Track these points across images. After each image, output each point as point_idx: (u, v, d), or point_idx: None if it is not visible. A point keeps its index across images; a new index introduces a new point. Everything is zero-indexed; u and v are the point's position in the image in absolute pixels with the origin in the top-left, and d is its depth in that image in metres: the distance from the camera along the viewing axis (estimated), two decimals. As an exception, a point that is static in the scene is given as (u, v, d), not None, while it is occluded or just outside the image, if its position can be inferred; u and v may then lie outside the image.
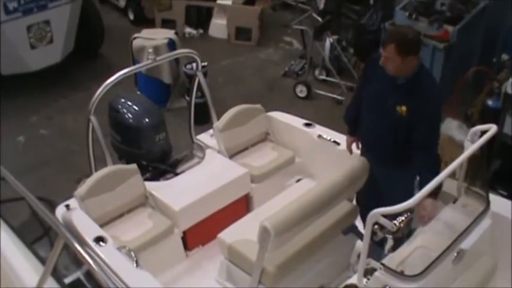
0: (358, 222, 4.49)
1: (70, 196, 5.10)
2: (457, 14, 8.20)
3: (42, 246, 5.77)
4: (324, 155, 5.25)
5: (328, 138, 5.29)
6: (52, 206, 6.36)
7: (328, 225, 4.19)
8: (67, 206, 4.68)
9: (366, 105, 4.48)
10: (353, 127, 4.80)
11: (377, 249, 3.55)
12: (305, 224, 3.83)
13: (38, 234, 5.98)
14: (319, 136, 5.33)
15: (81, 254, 3.33)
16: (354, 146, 4.85)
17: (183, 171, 5.52)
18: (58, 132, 8.12)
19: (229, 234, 4.40)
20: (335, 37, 9.12)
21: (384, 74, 4.18)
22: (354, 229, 3.88)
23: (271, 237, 3.59)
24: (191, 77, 7.58)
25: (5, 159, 7.28)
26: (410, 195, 3.36)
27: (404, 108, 4.13)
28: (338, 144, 5.23)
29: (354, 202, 4.60)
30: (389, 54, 4.03)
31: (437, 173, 3.57)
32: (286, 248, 3.96)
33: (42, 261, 4.31)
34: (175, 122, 7.06)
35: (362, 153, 4.67)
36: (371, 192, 4.44)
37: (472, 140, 3.82)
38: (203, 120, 6.30)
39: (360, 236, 3.76)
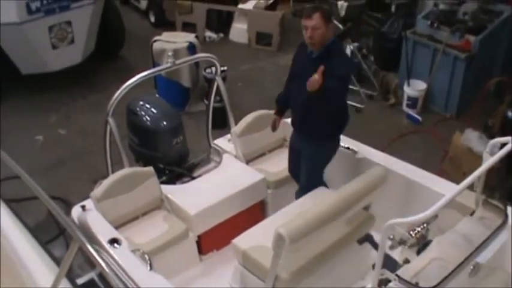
0: (374, 232, 4.46)
1: (86, 197, 5.12)
2: (479, 23, 8.15)
3: (58, 246, 5.82)
4: (340, 162, 5.20)
5: (346, 146, 5.24)
6: (68, 206, 6.41)
7: (344, 233, 4.16)
8: (83, 207, 4.68)
9: (291, 84, 4.94)
10: (281, 108, 5.20)
11: (392, 259, 3.52)
12: (320, 232, 3.79)
13: (54, 234, 6.00)
14: (337, 144, 5.30)
15: (93, 256, 3.32)
16: (276, 123, 5.22)
17: (199, 175, 5.51)
18: (76, 132, 8.15)
19: (244, 240, 4.38)
20: (355, 44, 9.07)
21: (304, 52, 4.72)
22: (369, 239, 3.85)
23: (286, 244, 3.56)
24: (210, 81, 7.59)
25: (23, 157, 7.33)
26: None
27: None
28: (355, 152, 5.19)
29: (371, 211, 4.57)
30: (316, 22, 4.46)
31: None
32: (300, 255, 3.93)
33: (57, 261, 4.31)
34: (193, 126, 7.07)
35: (293, 132, 5.15)
36: (295, 161, 5.13)
37: (491, 152, 3.78)
38: (221, 124, 6.29)
39: (375, 246, 3.73)
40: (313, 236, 3.75)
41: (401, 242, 3.60)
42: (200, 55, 5.83)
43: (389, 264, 3.54)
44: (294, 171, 5.22)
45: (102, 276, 4.51)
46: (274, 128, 5.24)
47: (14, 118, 8.26)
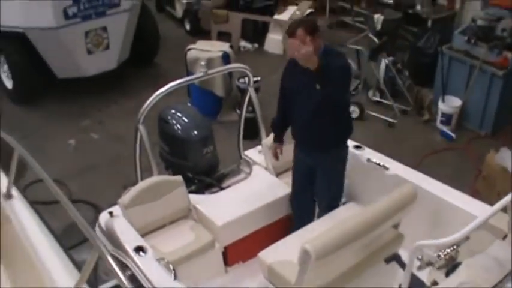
0: (402, 250, 4.38)
1: (115, 202, 5.13)
2: (518, 40, 8.01)
3: (85, 250, 5.82)
4: (371, 179, 5.14)
5: (377, 162, 5.17)
6: (97, 211, 6.47)
7: (371, 251, 4.09)
8: (110, 213, 4.69)
9: (293, 101, 4.78)
10: (280, 134, 5.16)
11: (419, 281, 3.45)
12: (347, 249, 3.73)
13: (82, 238, 6.01)
14: (368, 160, 5.23)
15: (111, 265, 3.29)
16: (278, 151, 5.18)
17: (228, 186, 5.49)
18: (108, 137, 8.21)
19: (270, 254, 4.34)
20: (390, 58, 8.98)
21: (299, 69, 4.52)
22: (396, 258, 3.77)
23: (312, 260, 3.51)
24: (243, 91, 7.59)
25: (56, 161, 7.43)
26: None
27: (319, 84, 4.46)
28: (387, 169, 5.11)
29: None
30: (301, 38, 4.32)
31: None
32: (326, 272, 3.87)
33: (79, 266, 4.31)
34: (224, 135, 7.05)
35: (295, 153, 5.05)
36: (303, 184, 5.03)
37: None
38: (253, 135, 6.27)
39: (403, 266, 3.65)
40: (340, 252, 3.69)
41: (430, 263, 3.53)
42: (233, 65, 5.82)
43: (417, 285, 3.49)
44: (303, 194, 5.10)
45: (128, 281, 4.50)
46: (277, 157, 5.21)
47: (48, 122, 8.37)
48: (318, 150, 4.83)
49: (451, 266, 3.57)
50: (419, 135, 8.38)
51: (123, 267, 4.41)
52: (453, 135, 8.23)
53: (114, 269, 3.04)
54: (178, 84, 5.18)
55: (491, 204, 5.65)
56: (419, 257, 3.74)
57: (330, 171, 4.87)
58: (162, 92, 5.04)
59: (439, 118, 8.45)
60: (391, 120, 8.53)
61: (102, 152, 7.85)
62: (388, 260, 3.71)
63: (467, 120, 8.42)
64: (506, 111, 8.03)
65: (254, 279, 4.69)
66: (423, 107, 8.75)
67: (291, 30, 4.41)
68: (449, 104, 8.35)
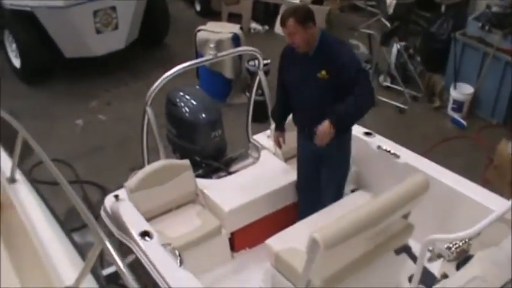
0: (412, 240, 4.31)
1: (121, 185, 5.06)
2: (533, 28, 7.88)
3: (88, 233, 5.78)
4: (381, 166, 5.07)
5: (388, 149, 5.09)
6: (104, 192, 6.43)
7: (380, 242, 4.01)
8: (116, 197, 4.63)
9: (293, 90, 4.70)
10: (281, 122, 5.03)
11: (429, 273, 3.38)
12: (356, 238, 3.66)
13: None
14: (379, 147, 5.14)
15: (111, 253, 3.24)
16: (280, 140, 5.06)
17: (236, 171, 5.43)
18: (116, 118, 8.14)
19: (277, 242, 4.27)
20: (402, 44, 8.87)
21: (297, 56, 4.50)
22: (407, 250, 3.70)
23: (321, 250, 3.44)
24: (253, 74, 7.51)
25: (63, 141, 7.39)
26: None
27: (324, 72, 4.37)
28: (398, 156, 5.02)
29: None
30: (292, 29, 4.29)
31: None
32: (334, 262, 3.81)
33: (82, 252, 4.26)
34: (233, 117, 6.98)
35: (299, 141, 4.96)
36: (309, 172, 4.91)
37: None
38: (262, 118, 6.18)
39: (413, 257, 3.58)
40: (349, 242, 3.62)
41: (440, 256, 3.46)
42: (243, 48, 5.73)
43: (427, 278, 3.43)
44: (309, 181, 5.00)
45: (132, 266, 4.46)
46: (280, 145, 5.12)
47: (56, 102, 8.31)
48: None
49: (462, 258, 3.49)
50: (430, 122, 8.29)
51: (128, 251, 4.39)
52: (464, 123, 8.12)
53: (113, 258, 2.99)
54: (187, 66, 5.10)
55: (502, 193, 5.60)
56: (430, 248, 3.68)
57: (335, 158, 4.77)
58: (171, 75, 4.96)
59: (450, 105, 8.34)
60: (401, 106, 8.43)
61: (110, 133, 7.80)
62: (398, 252, 3.64)
63: (478, 108, 8.31)
64: (520, 101, 7.92)
65: (260, 266, 4.62)
66: (434, 93, 8.64)
67: (282, 20, 4.37)
68: (461, 91, 8.23)
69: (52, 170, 3.87)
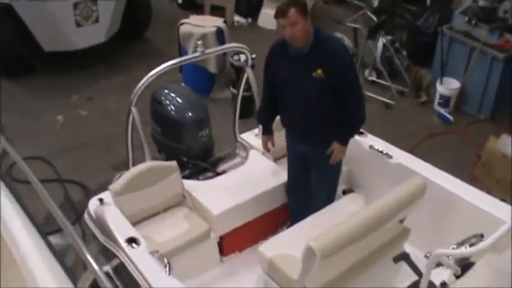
0: (408, 244, 4.20)
1: (104, 182, 4.89)
2: (521, 22, 7.81)
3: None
4: (374, 166, 4.95)
5: (380, 149, 4.97)
6: (85, 191, 6.28)
7: (377, 247, 3.90)
8: (100, 200, 4.45)
9: (282, 90, 4.52)
10: (268, 125, 4.87)
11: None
12: (353, 246, 3.54)
13: (71, 220, 5.78)
14: (371, 147, 5.02)
15: (87, 259, 3.12)
16: (269, 144, 4.92)
17: (224, 171, 5.29)
18: (98, 114, 7.95)
19: (270, 248, 4.13)
20: (388, 37, 8.77)
21: (288, 53, 4.34)
22: (405, 257, 3.58)
23: (317, 259, 3.32)
24: (237, 68, 7.39)
25: (43, 137, 7.20)
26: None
27: (320, 71, 4.22)
28: (390, 157, 4.91)
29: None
30: (294, 18, 4.13)
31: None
32: (330, 269, 3.68)
33: (58, 255, 4.11)
34: (218, 113, 6.86)
35: (288, 142, 4.82)
36: (300, 174, 4.77)
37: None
38: (247, 113, 6.05)
39: (412, 265, 3.47)
40: (345, 250, 3.50)
41: (440, 263, 3.33)
42: (230, 45, 5.56)
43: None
44: (299, 184, 4.87)
45: (117, 270, 4.31)
46: (269, 150, 4.99)
47: (35, 97, 8.10)
48: (314, 140, 4.58)
49: (462, 266, 3.36)
50: (417, 117, 8.21)
51: (113, 254, 4.24)
52: (451, 118, 8.05)
53: (90, 264, 2.85)
54: (173, 64, 4.91)
55: (491, 191, 5.52)
56: (428, 254, 3.56)
57: (327, 160, 4.56)
58: (156, 73, 4.77)
59: (436, 100, 8.27)
60: (388, 101, 8.33)
61: (91, 129, 7.60)
62: (396, 259, 3.52)
63: (465, 104, 8.24)
64: (505, 95, 7.85)
65: (250, 270, 4.49)
66: (421, 88, 8.56)
67: (282, 10, 4.17)
68: (448, 86, 8.16)
69: (24, 170, 3.74)
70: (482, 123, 7.97)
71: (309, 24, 4.23)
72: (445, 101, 8.16)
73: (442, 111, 8.17)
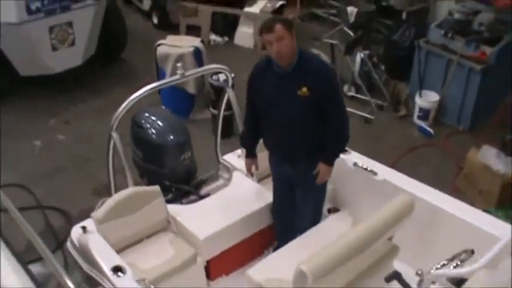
0: (398, 262, 4.16)
1: (85, 207, 4.77)
2: (496, 34, 7.86)
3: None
4: (359, 184, 4.92)
5: (365, 166, 4.94)
6: (66, 217, 6.18)
7: (366, 266, 3.86)
8: (83, 228, 4.36)
9: (267, 110, 4.46)
10: (252, 148, 4.81)
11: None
12: (343, 267, 3.49)
13: (51, 248, 5.69)
14: (355, 164, 4.98)
15: None
16: (253, 168, 4.86)
17: (207, 194, 5.23)
18: (76, 138, 7.85)
19: (259, 271, 4.09)
20: (366, 52, 8.79)
21: (272, 73, 4.31)
22: (397, 277, 3.54)
23: (309, 283, 3.27)
24: (216, 88, 7.34)
25: (20, 163, 7.08)
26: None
27: (304, 89, 4.20)
28: (375, 173, 4.88)
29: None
30: (281, 33, 4.10)
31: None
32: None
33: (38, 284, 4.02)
34: (198, 134, 6.81)
35: (272, 163, 4.78)
36: (285, 196, 4.73)
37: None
38: (228, 133, 5.99)
39: (405, 285, 3.42)
40: (336, 272, 3.45)
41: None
42: (210, 66, 5.51)
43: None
44: (284, 205, 4.83)
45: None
46: (252, 174, 4.96)
47: (11, 122, 7.95)
48: (300, 161, 4.53)
49: (455, 282, 3.33)
50: (397, 131, 8.22)
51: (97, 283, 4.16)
52: (431, 131, 8.07)
53: None
54: (153, 88, 4.84)
55: (473, 202, 5.52)
56: (419, 272, 3.53)
57: (312, 180, 4.52)
58: (136, 97, 4.70)
59: (416, 113, 8.29)
60: (367, 116, 8.33)
61: (70, 153, 7.50)
62: (388, 279, 3.48)
63: (444, 116, 8.27)
64: (484, 106, 7.91)
65: (238, 293, 4.47)
66: (400, 102, 8.58)
67: (268, 26, 4.15)
68: (427, 99, 8.19)
69: (2, 198, 3.68)
70: (462, 135, 8.01)
71: (294, 42, 4.20)
72: (424, 114, 8.19)
73: (422, 124, 8.19)
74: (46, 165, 7.20)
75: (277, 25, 4.11)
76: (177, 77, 4.86)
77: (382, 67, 9.00)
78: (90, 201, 5.88)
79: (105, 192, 5.12)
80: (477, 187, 6.60)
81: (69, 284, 3.15)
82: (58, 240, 5.84)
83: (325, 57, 8.79)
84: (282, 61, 4.22)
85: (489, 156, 6.53)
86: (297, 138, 4.37)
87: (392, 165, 5.94)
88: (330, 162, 4.44)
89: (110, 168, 4.80)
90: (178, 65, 4.87)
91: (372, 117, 8.32)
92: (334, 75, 4.57)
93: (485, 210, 5.38)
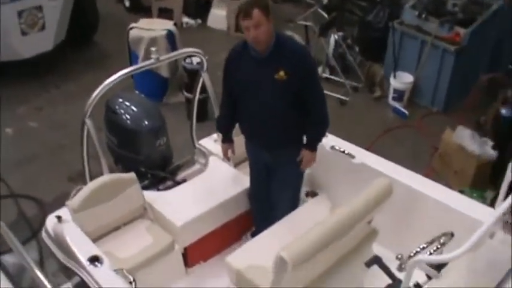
0: (377, 245, 4.15)
1: (59, 195, 4.66)
2: (469, 15, 7.86)
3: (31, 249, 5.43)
4: (337, 167, 4.88)
5: (342, 149, 4.91)
6: (40, 205, 6.07)
7: (346, 250, 3.84)
8: (59, 218, 4.27)
9: (243, 94, 4.40)
10: (228, 133, 4.75)
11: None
12: (323, 252, 3.47)
13: (25, 236, 5.59)
14: (332, 147, 4.95)
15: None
16: (229, 152, 4.79)
17: (184, 179, 5.16)
18: (48, 124, 7.72)
19: (238, 258, 4.04)
20: (340, 34, 8.76)
21: (248, 57, 4.24)
22: (378, 261, 3.53)
23: (289, 269, 3.24)
24: (190, 71, 7.26)
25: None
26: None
27: (281, 73, 4.13)
28: (353, 156, 4.85)
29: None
30: (258, 19, 4.01)
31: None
32: (301, 277, 3.59)
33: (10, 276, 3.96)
34: (172, 118, 6.73)
35: (248, 148, 4.73)
36: (262, 181, 4.66)
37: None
38: (202, 117, 5.92)
39: (385, 269, 3.41)
40: (316, 258, 3.42)
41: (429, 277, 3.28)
42: (185, 50, 5.42)
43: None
44: (262, 191, 4.76)
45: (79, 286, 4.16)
46: (229, 158, 4.89)
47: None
48: (276, 146, 4.47)
49: (435, 266, 3.31)
50: (372, 112, 8.22)
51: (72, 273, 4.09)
52: (406, 112, 8.08)
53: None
54: (128, 73, 4.76)
55: (448, 183, 5.52)
56: (399, 256, 3.52)
57: (290, 165, 4.49)
58: (110, 83, 4.61)
59: (390, 95, 8.29)
60: (342, 97, 8.32)
61: (42, 141, 7.36)
62: (369, 264, 3.46)
63: (419, 97, 8.29)
64: (457, 87, 7.94)
65: (217, 280, 4.45)
66: (374, 83, 8.57)
67: (246, 11, 4.04)
68: (401, 80, 8.19)
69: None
70: (436, 116, 8.04)
71: (271, 26, 4.11)
72: (399, 95, 8.19)
73: (397, 105, 8.20)
74: (18, 154, 7.07)
75: (254, 10, 3.99)
76: (152, 61, 4.78)
77: (357, 49, 8.98)
78: (65, 188, 5.78)
79: (80, 179, 5.03)
80: (452, 167, 6.63)
81: (41, 278, 3.09)
82: (32, 230, 5.74)
83: (299, 39, 8.76)
84: (259, 46, 4.15)
85: (464, 137, 6.55)
86: (274, 123, 4.31)
87: (369, 147, 5.91)
88: (313, 148, 4.40)
89: (84, 156, 4.71)
90: (153, 49, 4.80)
91: (347, 98, 8.31)
92: (312, 58, 4.45)
93: (460, 191, 5.41)
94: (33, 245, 5.54)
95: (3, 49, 8.05)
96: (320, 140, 4.48)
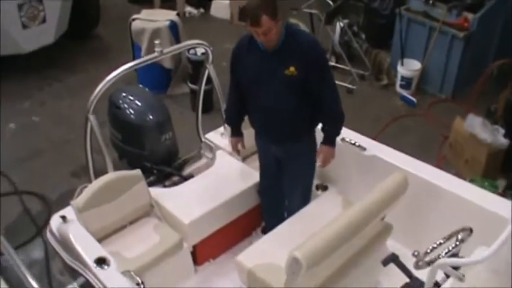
0: (393, 242, 4.04)
1: (64, 191, 4.55)
2: (478, 0, 7.70)
3: (38, 247, 5.36)
4: (347, 160, 4.75)
5: (353, 141, 4.78)
6: (44, 202, 5.98)
7: (360, 246, 3.74)
8: (63, 218, 4.16)
9: (252, 90, 4.25)
10: (237, 127, 4.63)
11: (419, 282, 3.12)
12: (338, 251, 3.36)
13: (31, 234, 5.54)
14: (343, 139, 4.82)
15: None
16: (239, 146, 4.68)
17: (190, 174, 5.05)
18: (52, 119, 7.60)
19: (249, 257, 3.93)
20: (346, 21, 8.62)
21: (257, 51, 4.07)
22: (394, 259, 3.42)
23: (303, 270, 3.13)
24: (194, 62, 7.15)
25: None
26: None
27: (292, 68, 3.98)
28: (364, 149, 4.73)
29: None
30: (268, 26, 3.82)
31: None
32: (315, 276, 3.50)
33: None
34: (176, 110, 6.65)
35: (258, 143, 4.59)
36: (272, 176, 4.55)
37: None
38: (207, 108, 5.81)
39: (403, 268, 3.30)
40: (331, 257, 3.32)
41: (430, 262, 3.17)
42: (190, 42, 5.26)
43: (418, 286, 3.16)
44: (272, 186, 4.65)
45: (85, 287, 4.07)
46: (239, 152, 4.77)
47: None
48: (285, 140, 4.35)
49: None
50: (380, 100, 8.09)
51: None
52: (414, 100, 7.95)
53: None
54: (131, 67, 4.61)
55: (459, 170, 5.39)
56: (415, 253, 3.40)
57: (301, 160, 4.40)
58: (114, 77, 4.46)
59: (398, 82, 8.16)
60: (349, 86, 8.19)
61: (46, 135, 7.25)
62: (385, 262, 3.35)
63: (427, 84, 8.16)
64: (466, 74, 7.80)
65: (226, 278, 4.38)
66: (381, 71, 8.45)
67: (253, 19, 3.81)
68: (409, 68, 8.06)
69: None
70: (445, 103, 7.92)
71: (281, 25, 3.95)
72: (406, 82, 8.07)
73: (405, 93, 8.07)
74: (21, 150, 6.96)
75: (263, 18, 3.78)
76: (156, 54, 4.65)
77: (363, 36, 8.83)
78: (70, 185, 5.70)
79: (84, 174, 4.93)
80: (463, 156, 6.52)
81: (33, 284, 2.99)
82: (37, 227, 5.66)
83: (304, 27, 8.63)
84: (270, 46, 4.00)
85: (475, 125, 6.41)
86: (285, 118, 4.18)
87: (377, 136, 5.79)
88: (332, 143, 4.30)
89: (88, 153, 4.58)
90: (157, 42, 4.66)
91: (354, 87, 8.18)
92: (323, 51, 4.30)
93: (471, 180, 5.30)
94: (38, 242, 5.47)
95: (4, 43, 7.95)
96: (338, 134, 4.36)
